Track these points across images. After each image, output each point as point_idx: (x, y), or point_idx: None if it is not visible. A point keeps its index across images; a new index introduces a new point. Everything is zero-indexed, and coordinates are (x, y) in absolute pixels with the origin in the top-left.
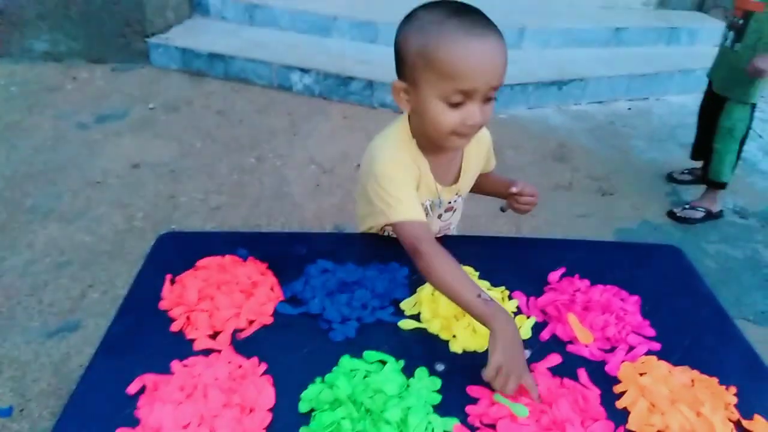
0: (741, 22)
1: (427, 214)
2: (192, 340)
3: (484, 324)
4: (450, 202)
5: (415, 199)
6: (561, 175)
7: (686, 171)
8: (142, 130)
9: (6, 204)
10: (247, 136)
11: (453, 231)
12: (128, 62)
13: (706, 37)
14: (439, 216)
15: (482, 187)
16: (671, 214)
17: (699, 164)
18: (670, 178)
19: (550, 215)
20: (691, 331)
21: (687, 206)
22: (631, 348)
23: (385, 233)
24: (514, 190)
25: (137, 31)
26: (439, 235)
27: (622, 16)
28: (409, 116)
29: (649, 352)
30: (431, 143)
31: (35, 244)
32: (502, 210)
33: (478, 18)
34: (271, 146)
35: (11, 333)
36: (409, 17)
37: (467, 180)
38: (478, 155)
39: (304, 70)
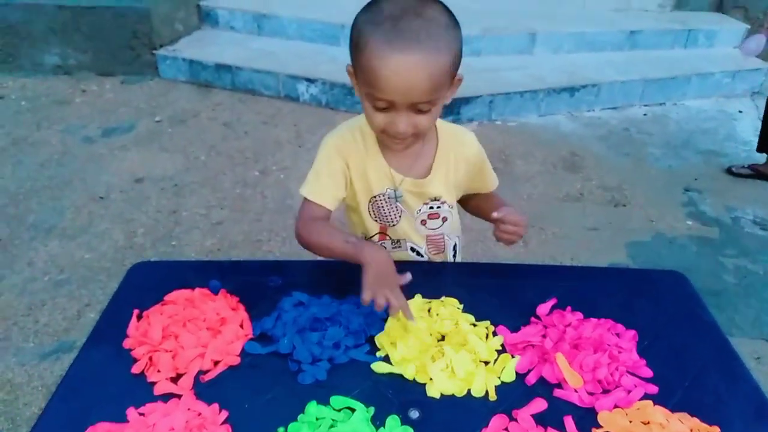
0: None
1: (388, 205)
2: (153, 384)
3: (357, 262)
4: (431, 207)
5: (330, 185)
6: (572, 185)
7: (746, 166)
8: (148, 143)
9: (9, 220)
10: (251, 149)
11: (450, 246)
12: (137, 74)
13: (725, 39)
14: (423, 223)
15: (480, 209)
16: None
17: (762, 157)
18: (729, 171)
19: (559, 228)
20: (693, 370)
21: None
22: (625, 392)
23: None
24: (495, 215)
25: (145, 44)
26: (433, 249)
27: (637, 19)
28: None
29: (644, 397)
30: None
31: (35, 261)
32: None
33: (413, 27)
34: (276, 159)
35: (6, 354)
36: (369, 4)
37: (440, 181)
38: (458, 160)
39: (310, 80)
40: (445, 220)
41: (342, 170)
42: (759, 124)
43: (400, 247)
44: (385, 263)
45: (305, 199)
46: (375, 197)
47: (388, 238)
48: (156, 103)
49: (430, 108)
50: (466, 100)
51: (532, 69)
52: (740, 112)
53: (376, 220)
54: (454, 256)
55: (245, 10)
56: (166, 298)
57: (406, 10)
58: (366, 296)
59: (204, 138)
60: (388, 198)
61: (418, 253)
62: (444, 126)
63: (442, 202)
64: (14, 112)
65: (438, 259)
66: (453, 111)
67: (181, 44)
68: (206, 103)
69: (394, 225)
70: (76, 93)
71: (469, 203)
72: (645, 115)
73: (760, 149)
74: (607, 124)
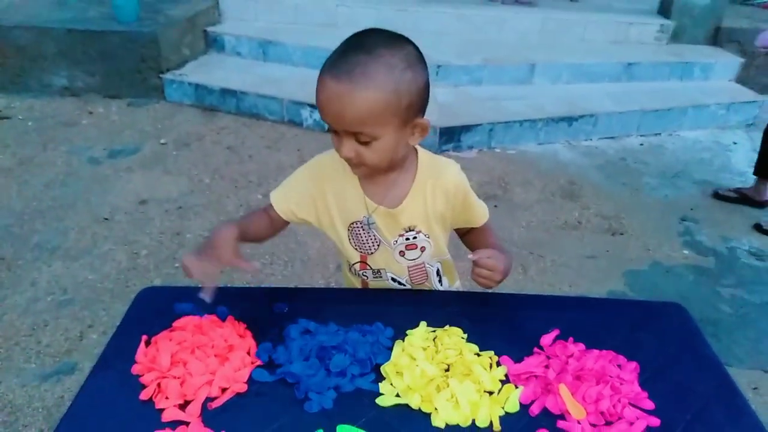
0: None
1: (365, 233)
2: (161, 410)
3: None
4: (407, 239)
5: (291, 199)
6: (570, 214)
7: (732, 189)
8: (153, 165)
9: (14, 240)
10: (255, 172)
11: (433, 272)
12: (143, 97)
13: (720, 72)
14: (402, 254)
15: (471, 245)
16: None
17: (747, 184)
18: (716, 195)
19: (557, 256)
20: (695, 403)
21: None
22: (627, 423)
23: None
24: (470, 257)
25: (153, 68)
26: (416, 278)
27: (634, 51)
28: None
29: (647, 429)
30: None
31: (39, 281)
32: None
33: (353, 60)
34: (279, 182)
35: (7, 375)
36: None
37: (415, 211)
38: (435, 191)
39: (314, 106)
40: (423, 249)
41: (310, 195)
42: (754, 156)
43: (380, 276)
44: (218, 236)
45: (270, 198)
46: (353, 224)
47: (368, 267)
48: (161, 125)
49: (371, 141)
50: (467, 128)
51: (532, 98)
52: (735, 143)
53: (356, 248)
54: (440, 280)
55: (251, 37)
56: (175, 324)
57: (361, 45)
58: (184, 260)
59: (208, 161)
60: (363, 225)
61: (400, 283)
62: (425, 157)
63: (418, 232)
64: (21, 133)
65: (423, 287)
66: (453, 139)
67: (187, 68)
68: (211, 127)
69: (372, 253)
70: (83, 115)
71: (464, 238)
72: (641, 145)
73: (757, 172)
74: (604, 153)
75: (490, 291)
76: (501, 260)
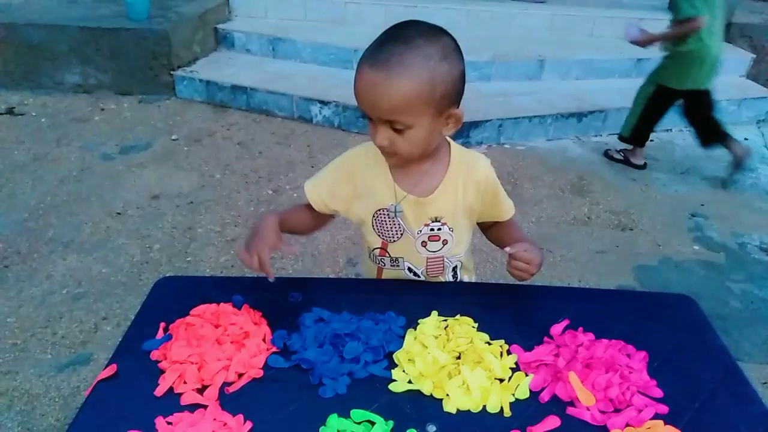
0: None
1: (389, 220)
2: (179, 394)
3: None
4: (431, 229)
5: (323, 190)
6: (579, 209)
7: (619, 150)
8: (165, 161)
9: (29, 235)
10: (265, 168)
11: (449, 269)
12: (155, 94)
13: (731, 68)
14: (424, 244)
15: (498, 239)
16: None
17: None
18: (605, 153)
19: (567, 251)
20: (703, 392)
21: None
22: (636, 411)
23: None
24: (507, 250)
25: (164, 65)
26: (432, 270)
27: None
28: None
29: (655, 416)
30: None
31: (54, 275)
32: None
33: (390, 50)
34: (289, 178)
35: (24, 365)
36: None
37: (445, 202)
38: (467, 184)
39: (323, 103)
40: (445, 242)
41: (339, 185)
42: (765, 152)
43: (398, 265)
44: (260, 224)
45: (305, 186)
46: (379, 211)
47: (387, 254)
48: (173, 122)
49: (405, 129)
50: (476, 124)
51: (541, 94)
52: (746, 139)
53: (378, 235)
54: (454, 277)
55: (261, 34)
56: (192, 312)
57: (399, 36)
58: (239, 255)
59: (219, 157)
60: (389, 213)
61: (415, 274)
62: (458, 150)
63: (443, 224)
64: (35, 129)
65: (437, 280)
66: (463, 134)
67: (198, 65)
68: (221, 123)
69: (394, 241)
70: (95, 111)
71: (488, 232)
72: (651, 141)
73: (632, 141)
74: (614, 149)
75: (501, 282)
76: (537, 254)
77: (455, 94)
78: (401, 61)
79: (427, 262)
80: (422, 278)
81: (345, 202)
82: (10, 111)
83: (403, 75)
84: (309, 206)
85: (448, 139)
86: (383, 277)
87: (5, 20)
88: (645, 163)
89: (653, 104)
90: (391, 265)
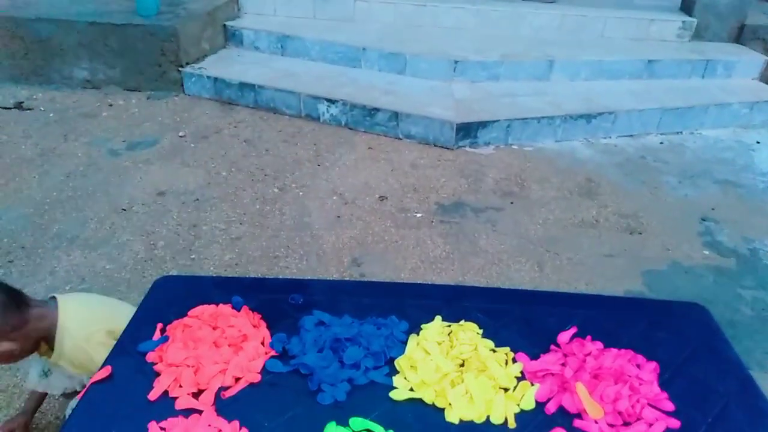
0: None
1: None
2: (174, 398)
3: None
4: None
5: None
6: (587, 212)
7: None
8: (171, 157)
9: (34, 229)
10: (271, 166)
11: None
12: (163, 90)
13: (743, 70)
14: None
15: None
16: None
17: None
18: None
19: (574, 254)
20: (716, 405)
21: None
22: (646, 425)
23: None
24: None
25: (172, 61)
26: None
27: (655, 49)
28: None
29: (667, 431)
30: None
31: (58, 270)
32: None
33: None
34: (295, 176)
35: (24, 362)
36: None
37: None
38: None
39: (331, 101)
40: None
41: None
42: None
43: None
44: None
45: None
46: None
47: None
48: (180, 118)
49: None
50: (484, 124)
51: (550, 95)
52: (758, 142)
53: None
54: None
55: (270, 31)
56: (190, 313)
57: None
58: None
59: (226, 154)
60: None
61: None
62: None
63: None
64: (42, 124)
65: None
66: (470, 134)
67: (206, 62)
68: (229, 120)
69: None
70: (103, 107)
71: None
72: (661, 143)
73: None
74: (623, 151)
75: (506, 287)
76: None
77: None
78: None
79: None
80: None
81: None
82: (18, 105)
83: None
84: None
85: None
86: None
87: (15, 15)
88: None
89: None
90: None
